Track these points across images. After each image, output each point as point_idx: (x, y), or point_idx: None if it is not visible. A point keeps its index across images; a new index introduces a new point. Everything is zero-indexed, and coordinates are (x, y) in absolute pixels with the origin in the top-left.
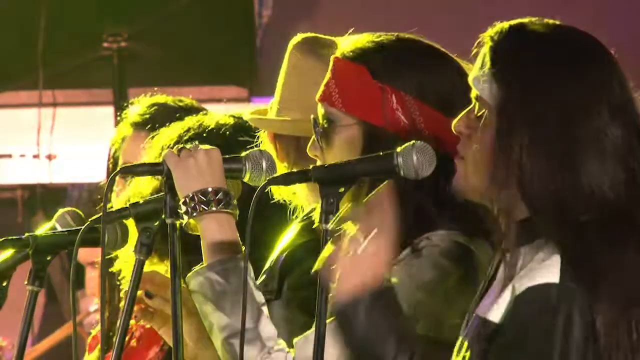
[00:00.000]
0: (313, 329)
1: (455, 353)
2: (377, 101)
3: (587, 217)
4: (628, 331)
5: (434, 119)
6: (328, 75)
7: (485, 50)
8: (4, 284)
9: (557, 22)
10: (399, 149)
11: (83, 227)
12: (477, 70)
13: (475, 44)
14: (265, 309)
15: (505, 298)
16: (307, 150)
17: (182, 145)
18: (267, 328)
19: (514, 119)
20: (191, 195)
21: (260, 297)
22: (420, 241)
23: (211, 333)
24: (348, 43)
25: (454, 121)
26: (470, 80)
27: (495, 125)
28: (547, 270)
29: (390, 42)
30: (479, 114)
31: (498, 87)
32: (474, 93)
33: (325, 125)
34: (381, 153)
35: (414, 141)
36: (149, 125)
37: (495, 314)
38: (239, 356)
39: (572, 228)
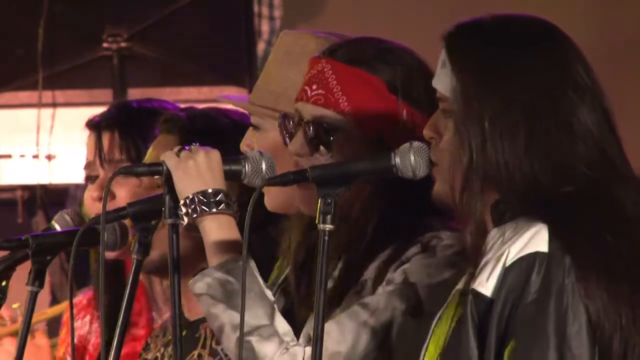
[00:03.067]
0: (328, 323)
1: (435, 322)
2: (391, 115)
3: (564, 190)
4: (616, 297)
5: None
6: (325, 77)
7: (443, 48)
8: (4, 283)
9: (514, 13)
10: (396, 149)
11: (82, 227)
12: (438, 70)
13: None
14: (276, 306)
15: (496, 271)
16: (291, 150)
17: (181, 146)
18: (282, 324)
19: (472, 107)
20: (191, 196)
21: (270, 294)
22: (430, 240)
23: (222, 334)
24: (351, 48)
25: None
26: (433, 82)
27: (455, 118)
28: (535, 240)
29: (398, 54)
30: (444, 115)
31: (456, 79)
32: (438, 94)
33: (330, 132)
34: (378, 153)
35: (411, 141)
36: None
37: (487, 287)
38: (239, 353)
39: (549, 204)
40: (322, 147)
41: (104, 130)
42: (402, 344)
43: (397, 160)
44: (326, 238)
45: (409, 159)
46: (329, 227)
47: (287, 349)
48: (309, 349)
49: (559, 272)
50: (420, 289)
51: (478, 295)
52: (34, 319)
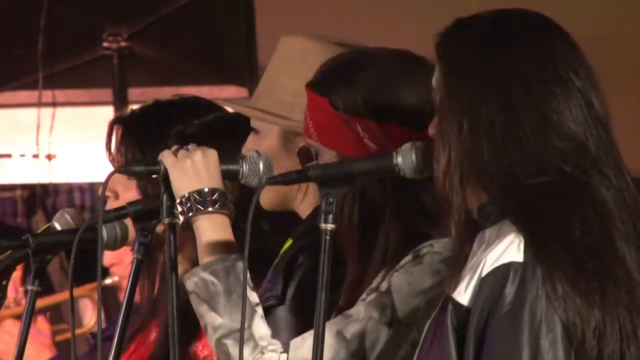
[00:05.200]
0: (311, 331)
1: (424, 334)
2: (345, 133)
3: (536, 182)
4: (588, 296)
5: (402, 136)
6: (307, 106)
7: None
8: (4, 283)
9: (507, 8)
10: (398, 149)
11: (82, 226)
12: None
13: None
14: (259, 309)
15: (473, 280)
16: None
17: (179, 146)
18: (261, 328)
19: (451, 102)
20: (187, 195)
21: (254, 297)
22: (422, 247)
23: (206, 333)
24: (317, 73)
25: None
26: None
27: (437, 113)
28: (510, 250)
29: (348, 65)
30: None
31: (439, 75)
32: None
33: (303, 159)
34: (381, 153)
35: (413, 141)
36: None
37: (465, 296)
38: (239, 355)
39: (525, 199)
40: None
41: (115, 126)
42: (376, 353)
43: (399, 159)
44: (328, 237)
45: (410, 159)
46: (330, 226)
47: (262, 353)
48: (284, 356)
49: (533, 283)
50: (398, 297)
51: (457, 304)
52: (39, 304)
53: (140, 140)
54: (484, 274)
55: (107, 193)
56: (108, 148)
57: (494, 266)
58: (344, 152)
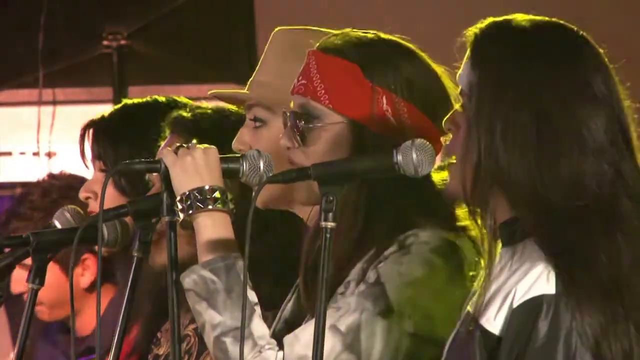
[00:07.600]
0: (303, 326)
1: (445, 352)
2: (368, 101)
3: (569, 206)
4: (616, 324)
5: (420, 122)
6: (309, 68)
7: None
8: (4, 281)
9: (544, 17)
10: (398, 147)
11: (82, 225)
12: (463, 65)
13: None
14: (258, 308)
15: (503, 310)
16: (281, 143)
17: (180, 144)
18: (259, 327)
19: (484, 107)
20: (187, 193)
21: (253, 296)
22: (406, 238)
23: (203, 331)
24: (332, 38)
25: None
26: (457, 76)
27: (468, 115)
28: (541, 281)
29: (378, 40)
30: (462, 109)
31: (473, 75)
32: (460, 88)
33: (308, 121)
34: (380, 151)
35: (413, 139)
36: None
37: (495, 325)
38: (239, 353)
39: (555, 223)
40: (307, 138)
41: (88, 129)
42: (372, 345)
43: (399, 157)
44: (328, 236)
45: (411, 157)
46: (330, 224)
47: (260, 352)
48: (280, 353)
49: (566, 315)
50: (390, 288)
51: (486, 332)
52: None
53: (114, 142)
54: (515, 305)
55: (88, 194)
56: (82, 152)
57: (525, 298)
58: (357, 118)
